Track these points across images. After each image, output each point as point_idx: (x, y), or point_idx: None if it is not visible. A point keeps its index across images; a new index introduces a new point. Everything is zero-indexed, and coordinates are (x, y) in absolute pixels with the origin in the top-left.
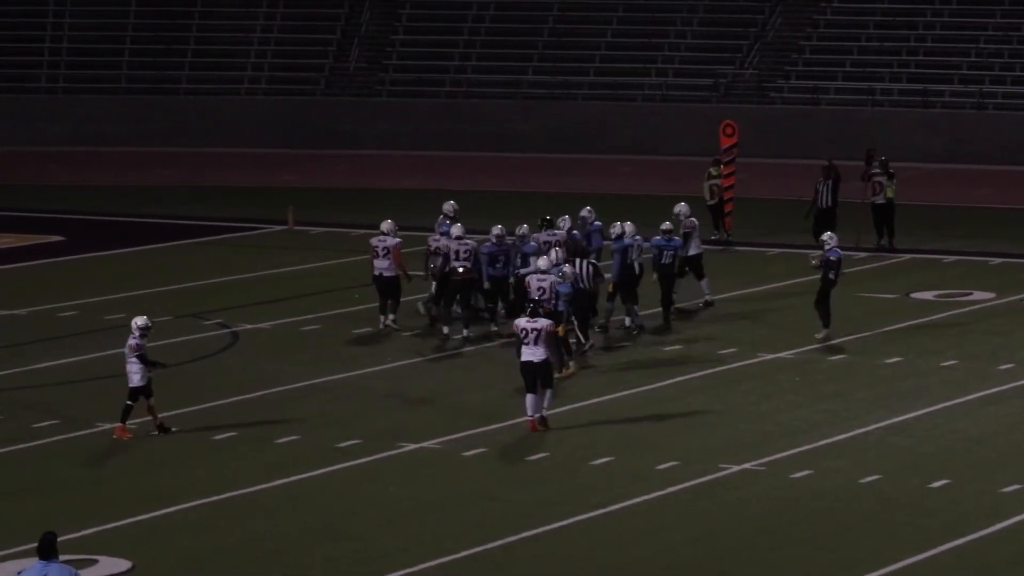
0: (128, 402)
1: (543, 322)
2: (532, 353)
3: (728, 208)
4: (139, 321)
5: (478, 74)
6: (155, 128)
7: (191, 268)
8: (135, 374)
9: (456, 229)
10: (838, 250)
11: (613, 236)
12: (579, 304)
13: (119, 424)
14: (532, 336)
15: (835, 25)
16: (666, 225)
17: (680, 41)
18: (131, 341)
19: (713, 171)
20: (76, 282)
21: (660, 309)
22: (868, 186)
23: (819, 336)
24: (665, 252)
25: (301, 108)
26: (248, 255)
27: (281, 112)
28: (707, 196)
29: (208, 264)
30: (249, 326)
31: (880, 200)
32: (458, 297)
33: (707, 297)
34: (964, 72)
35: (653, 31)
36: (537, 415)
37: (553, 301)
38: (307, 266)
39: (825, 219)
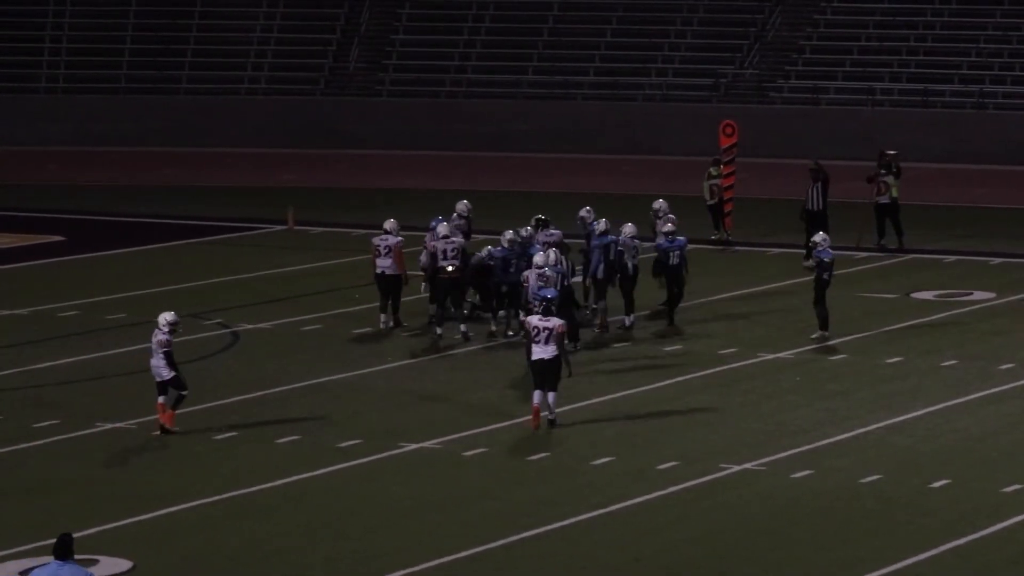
0: (180, 392)
1: (555, 321)
2: (543, 351)
3: (728, 208)
4: (168, 316)
5: (478, 74)
6: (155, 128)
7: (191, 268)
8: (162, 368)
9: (443, 228)
10: (830, 251)
11: (596, 232)
12: (564, 305)
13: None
14: (544, 335)
15: (835, 25)
16: (667, 227)
17: (680, 41)
18: (159, 336)
19: (713, 171)
20: (76, 282)
21: (658, 309)
22: (874, 187)
23: (814, 337)
24: (672, 254)
25: (301, 108)
26: (248, 255)
27: (281, 112)
28: (707, 196)
29: (208, 264)
30: (249, 326)
31: (885, 200)
32: (450, 297)
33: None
34: (964, 72)
35: (653, 31)
36: (543, 414)
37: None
38: (307, 266)
39: (817, 221)
